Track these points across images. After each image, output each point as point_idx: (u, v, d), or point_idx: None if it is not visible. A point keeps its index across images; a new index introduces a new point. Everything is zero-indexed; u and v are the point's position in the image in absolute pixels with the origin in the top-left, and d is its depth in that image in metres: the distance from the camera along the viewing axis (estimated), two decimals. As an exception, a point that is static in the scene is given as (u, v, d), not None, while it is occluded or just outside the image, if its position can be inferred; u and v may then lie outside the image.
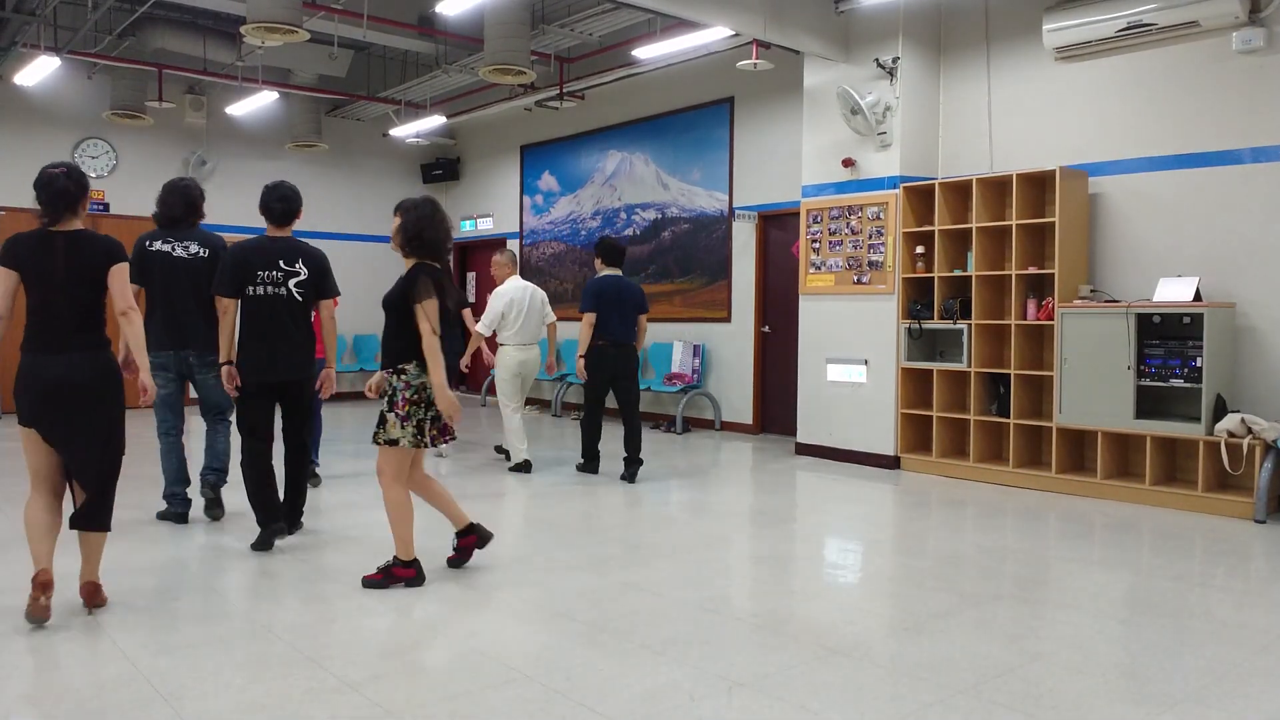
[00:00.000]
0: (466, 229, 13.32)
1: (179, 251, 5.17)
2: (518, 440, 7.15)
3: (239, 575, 4.23)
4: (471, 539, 4.35)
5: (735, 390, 9.48)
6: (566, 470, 7.33)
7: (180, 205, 5.28)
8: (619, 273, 6.96)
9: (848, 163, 7.55)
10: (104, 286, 3.62)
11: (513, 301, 7.05)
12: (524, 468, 7.12)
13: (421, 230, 4.06)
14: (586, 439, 7.10)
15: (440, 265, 4.12)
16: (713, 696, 2.91)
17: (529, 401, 11.84)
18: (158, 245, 5.18)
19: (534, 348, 7.22)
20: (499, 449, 7.64)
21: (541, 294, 7.25)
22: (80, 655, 3.20)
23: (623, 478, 6.79)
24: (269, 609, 3.76)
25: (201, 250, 5.19)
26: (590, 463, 7.10)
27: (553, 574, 4.31)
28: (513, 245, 12.43)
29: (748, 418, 9.38)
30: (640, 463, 6.88)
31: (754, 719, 2.76)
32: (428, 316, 3.92)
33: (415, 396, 4.01)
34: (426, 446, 4.09)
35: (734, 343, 9.50)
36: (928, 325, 7.14)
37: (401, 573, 4.04)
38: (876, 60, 7.26)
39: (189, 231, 5.28)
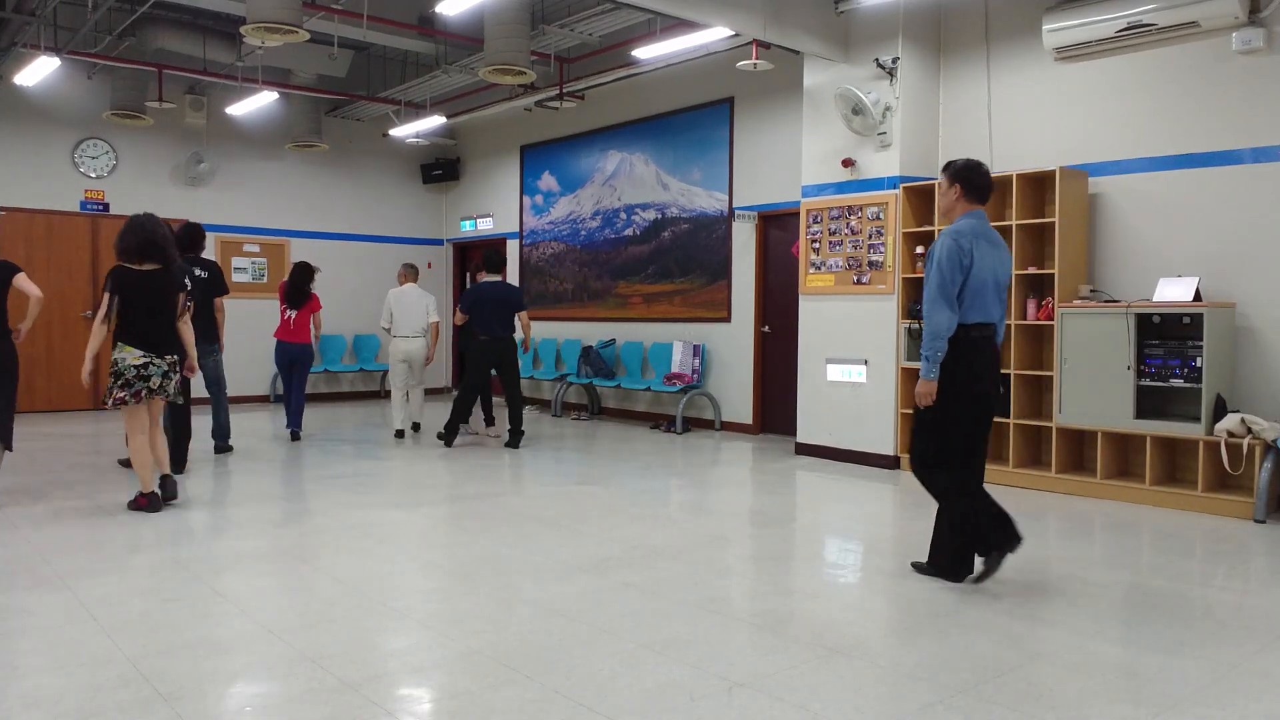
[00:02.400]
0: (466, 229, 13.32)
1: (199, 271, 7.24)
2: (396, 412, 8.87)
3: (239, 575, 4.23)
4: (145, 500, 5.44)
5: (735, 390, 9.48)
6: (566, 470, 7.34)
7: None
8: (499, 278, 8.27)
9: (848, 163, 7.55)
10: None
11: (394, 302, 8.75)
12: (399, 435, 8.81)
13: (119, 238, 5.54)
14: (455, 414, 8.17)
15: (143, 267, 5.50)
16: (713, 696, 2.91)
17: (527, 401, 11.85)
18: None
19: (416, 339, 8.74)
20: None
21: (430, 299, 8.90)
22: (80, 655, 3.20)
23: (507, 445, 8.14)
24: (269, 609, 3.76)
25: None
26: (450, 435, 8.15)
27: (553, 574, 4.31)
28: (512, 245, 12.45)
29: (748, 418, 9.37)
30: (522, 433, 8.21)
31: (754, 719, 2.76)
32: (103, 305, 5.42)
33: (114, 369, 5.40)
34: (130, 406, 5.42)
35: (734, 343, 9.50)
36: (928, 325, 7.13)
37: (141, 501, 5.45)
38: (876, 60, 7.26)
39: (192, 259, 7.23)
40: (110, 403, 5.42)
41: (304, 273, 8.55)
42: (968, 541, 4.12)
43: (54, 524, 5.18)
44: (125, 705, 2.80)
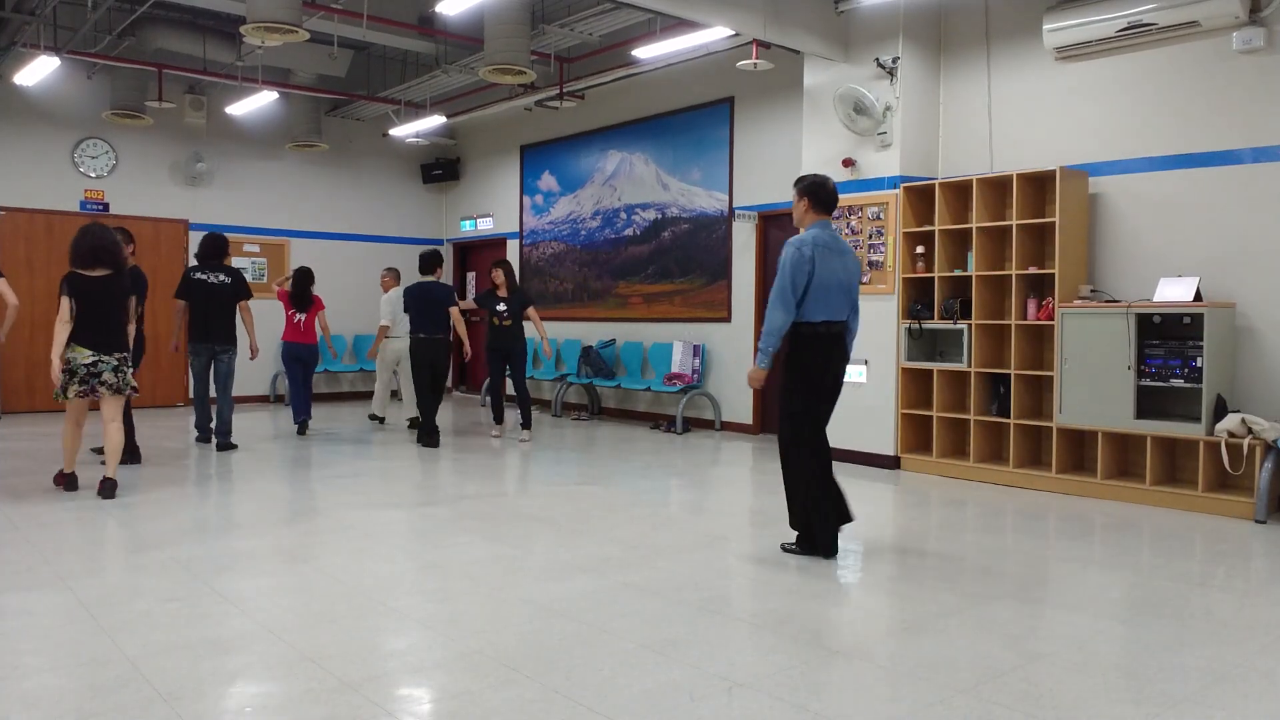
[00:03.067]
0: (466, 229, 13.33)
1: (212, 279, 8.03)
2: (378, 401, 9.90)
3: (239, 575, 4.23)
4: (64, 479, 6.01)
5: (735, 390, 9.48)
6: (566, 470, 7.34)
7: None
8: (433, 279, 8.57)
9: (848, 163, 7.55)
10: None
11: (394, 305, 9.22)
12: (375, 418, 9.88)
13: (72, 245, 5.86)
14: (424, 416, 8.52)
15: (94, 272, 5.79)
16: (713, 696, 2.91)
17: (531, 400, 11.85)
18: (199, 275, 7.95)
19: (404, 339, 9.02)
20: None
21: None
22: (80, 655, 3.20)
23: (418, 442, 8.41)
24: (269, 609, 3.76)
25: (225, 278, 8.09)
26: (429, 437, 8.46)
27: (553, 574, 4.31)
28: (512, 245, 12.45)
29: (748, 418, 9.38)
30: (435, 432, 8.43)
31: (754, 719, 2.76)
32: (62, 308, 5.70)
33: (67, 367, 5.71)
34: (69, 399, 5.78)
35: (734, 343, 9.50)
36: (928, 325, 7.14)
37: (59, 479, 6.04)
38: (876, 60, 7.26)
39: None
40: (64, 398, 5.76)
41: (306, 277, 9.09)
42: (822, 508, 4.63)
43: (54, 524, 5.18)
44: (125, 705, 2.80)
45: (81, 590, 3.93)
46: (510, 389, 8.99)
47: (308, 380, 9.22)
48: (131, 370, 6.00)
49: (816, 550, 4.61)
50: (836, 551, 4.61)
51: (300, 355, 9.02)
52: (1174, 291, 5.95)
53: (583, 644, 3.37)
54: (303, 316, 8.97)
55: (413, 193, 13.43)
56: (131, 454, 7.02)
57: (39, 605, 3.74)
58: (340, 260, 12.50)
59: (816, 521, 4.60)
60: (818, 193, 4.66)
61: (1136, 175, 6.46)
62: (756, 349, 4.62)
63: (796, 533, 4.71)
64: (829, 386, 4.65)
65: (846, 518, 4.69)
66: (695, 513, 5.96)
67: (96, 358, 5.75)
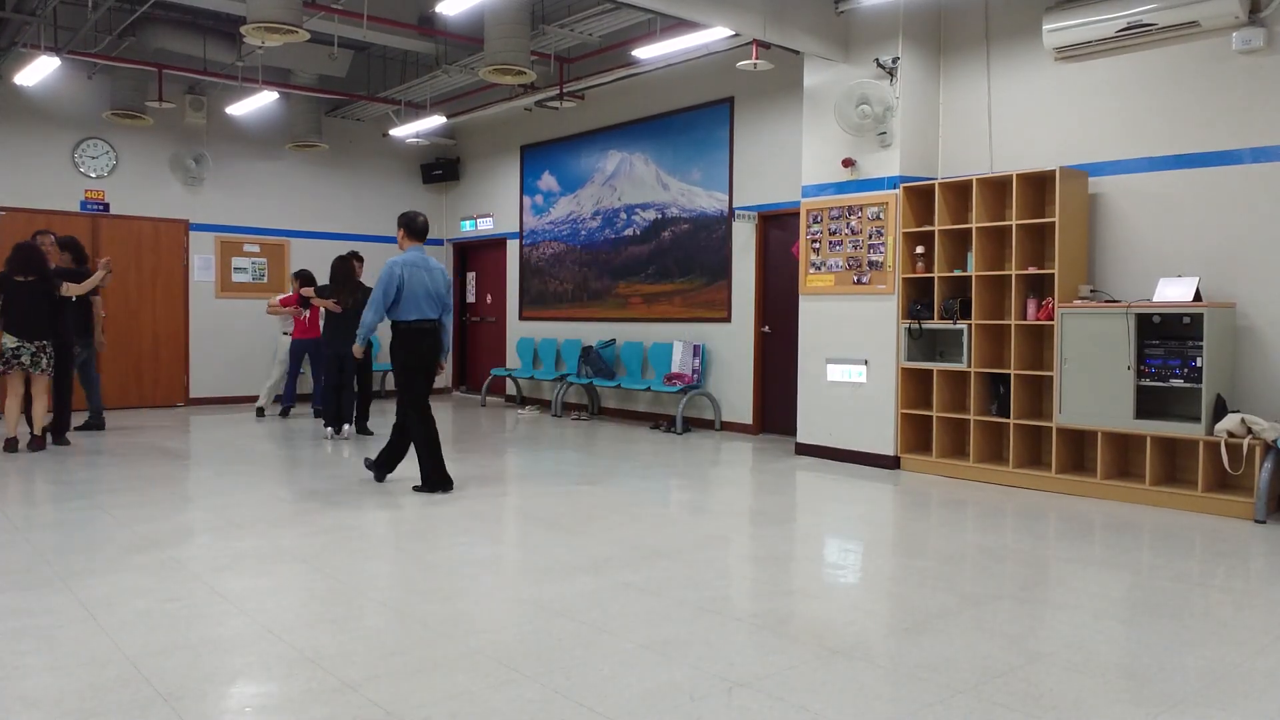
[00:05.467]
0: (467, 229, 13.33)
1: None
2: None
3: (239, 575, 4.23)
4: (5, 442, 7.49)
5: (735, 390, 9.48)
6: (566, 470, 7.34)
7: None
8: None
9: (848, 163, 7.55)
10: None
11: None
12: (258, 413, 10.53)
13: (8, 259, 7.56)
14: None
15: (23, 278, 7.48)
16: (713, 696, 2.91)
17: (527, 401, 11.86)
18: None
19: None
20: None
21: None
22: (80, 655, 3.20)
23: (349, 423, 8.93)
24: (268, 609, 3.76)
25: None
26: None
27: (553, 574, 4.31)
28: (512, 245, 12.45)
29: (748, 418, 9.38)
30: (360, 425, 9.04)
31: (754, 719, 2.76)
32: None
33: None
34: (6, 374, 7.54)
35: (734, 343, 9.50)
36: (928, 325, 7.14)
37: (4, 444, 7.50)
38: (876, 60, 7.26)
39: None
40: None
41: (310, 279, 9.96)
42: (431, 467, 6.15)
43: (54, 524, 5.18)
44: (125, 705, 2.80)
45: (81, 590, 3.93)
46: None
47: (316, 371, 10.24)
48: (48, 358, 7.54)
49: (437, 489, 6.13)
50: (452, 485, 6.20)
51: (307, 348, 10.21)
52: (1174, 291, 5.95)
53: (583, 644, 3.37)
54: (307, 313, 10.04)
55: (413, 193, 13.43)
56: (89, 424, 8.82)
57: (39, 605, 3.74)
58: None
59: (433, 468, 6.13)
60: (411, 225, 6.24)
61: (1136, 175, 6.47)
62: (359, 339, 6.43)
63: (424, 479, 6.16)
64: (423, 367, 6.16)
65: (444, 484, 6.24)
66: (695, 513, 5.96)
67: (20, 344, 7.44)
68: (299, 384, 10.81)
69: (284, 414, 10.40)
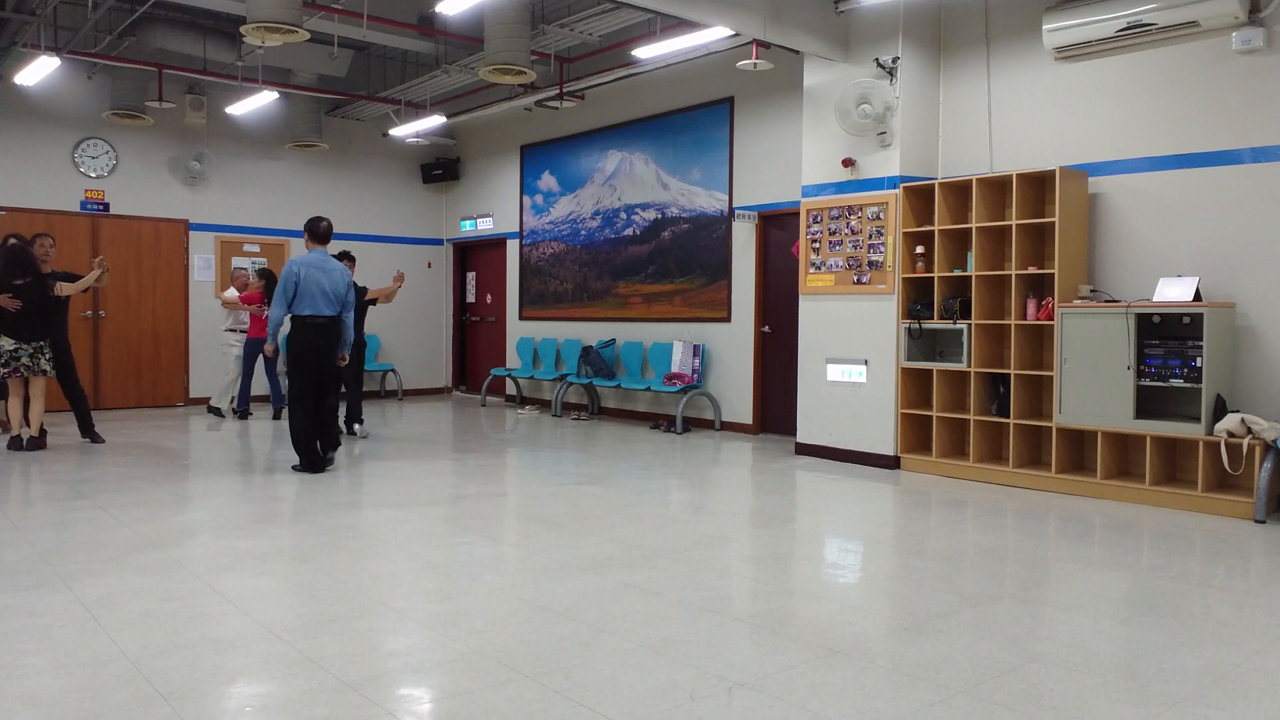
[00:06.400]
0: (466, 229, 13.33)
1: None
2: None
3: (239, 575, 4.23)
4: (13, 441, 7.65)
5: (735, 390, 9.48)
6: (566, 470, 7.34)
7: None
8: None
9: (848, 163, 7.55)
10: None
11: None
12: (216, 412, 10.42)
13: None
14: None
15: (17, 281, 7.48)
16: (713, 696, 2.91)
17: (527, 401, 11.86)
18: None
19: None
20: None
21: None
22: (80, 655, 3.20)
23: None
24: (269, 609, 3.76)
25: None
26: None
27: (553, 574, 4.31)
28: (512, 245, 12.45)
29: (748, 418, 9.38)
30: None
31: (754, 719, 2.76)
32: None
33: None
34: (9, 377, 7.58)
35: (734, 343, 9.50)
36: (928, 325, 7.14)
37: (10, 442, 7.65)
38: (876, 60, 7.26)
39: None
40: None
41: (274, 277, 9.67)
42: (303, 449, 6.84)
43: (54, 524, 5.18)
44: (125, 705, 2.80)
45: (81, 590, 3.93)
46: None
47: (272, 372, 10.24)
48: (46, 359, 7.58)
49: (311, 470, 6.81)
50: (324, 468, 6.90)
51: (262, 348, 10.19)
52: (1173, 291, 5.95)
53: (583, 644, 3.37)
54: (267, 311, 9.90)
55: (413, 193, 13.43)
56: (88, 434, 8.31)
57: (39, 605, 3.74)
58: (340, 260, 12.48)
59: (309, 451, 6.81)
60: (313, 230, 6.94)
61: (1136, 175, 6.47)
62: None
63: (300, 460, 6.86)
64: (311, 359, 6.77)
65: (332, 446, 7.03)
66: (695, 513, 5.96)
67: (18, 345, 7.45)
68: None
69: (242, 416, 10.17)
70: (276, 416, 10.08)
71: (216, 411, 10.31)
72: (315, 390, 6.83)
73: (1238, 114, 6.00)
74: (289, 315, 6.77)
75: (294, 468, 6.91)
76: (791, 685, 3.01)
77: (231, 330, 10.24)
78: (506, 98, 10.90)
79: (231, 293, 10.20)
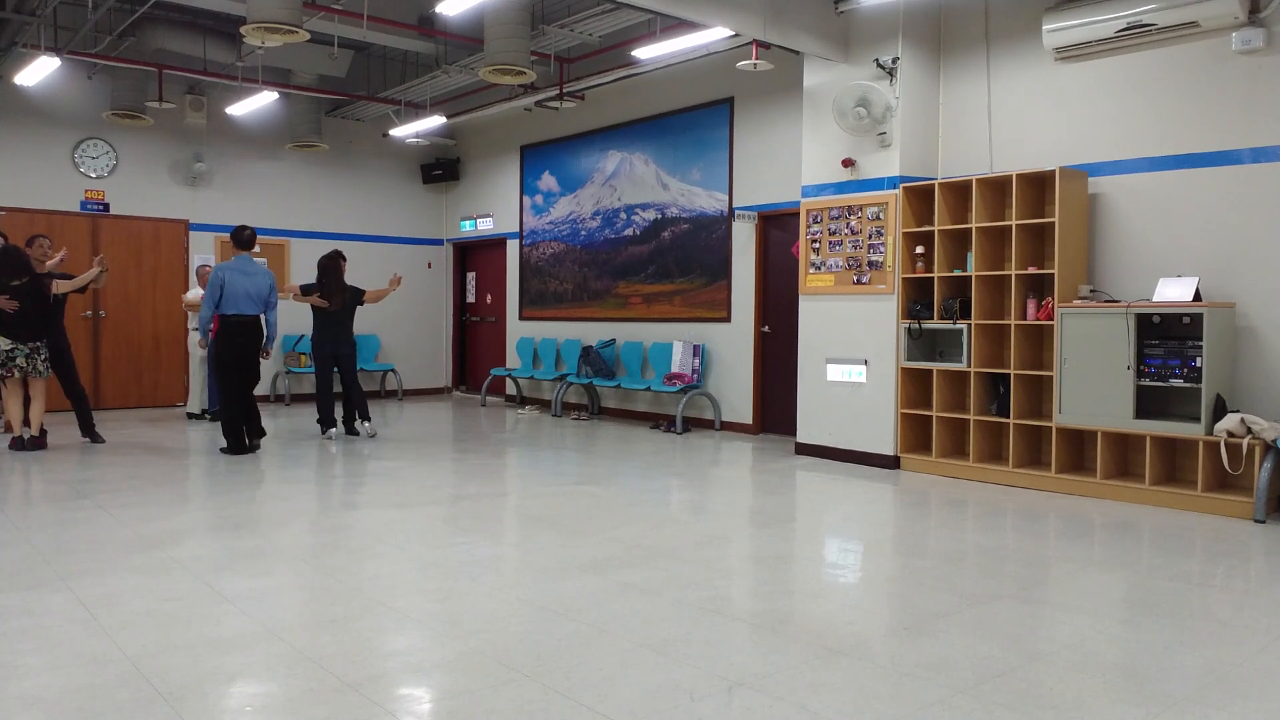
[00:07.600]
0: (466, 229, 13.33)
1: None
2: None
3: (239, 575, 4.23)
4: (14, 441, 7.69)
5: (735, 390, 9.48)
6: (566, 470, 7.34)
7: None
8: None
9: (847, 163, 7.55)
10: None
11: None
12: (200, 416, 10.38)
13: None
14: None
15: (14, 282, 7.48)
16: (713, 696, 2.91)
17: (527, 401, 11.86)
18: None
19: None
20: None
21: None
22: (80, 655, 3.20)
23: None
24: (269, 609, 3.76)
25: None
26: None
27: (553, 574, 4.31)
28: (512, 245, 12.45)
29: (748, 418, 9.38)
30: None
31: (754, 719, 2.76)
32: None
33: None
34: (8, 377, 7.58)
35: (734, 343, 9.50)
36: (928, 325, 7.14)
37: (12, 442, 7.72)
38: (876, 60, 7.26)
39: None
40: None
41: None
42: (229, 433, 7.64)
43: (54, 524, 5.18)
44: (125, 705, 2.80)
45: (81, 590, 3.93)
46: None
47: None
48: (43, 359, 7.64)
49: (236, 452, 7.58)
50: (251, 451, 7.67)
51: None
52: (1173, 291, 5.95)
53: (583, 644, 3.37)
54: None
55: (413, 193, 13.43)
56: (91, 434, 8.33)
57: (39, 605, 3.74)
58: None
59: (235, 433, 7.59)
60: (237, 237, 7.73)
61: (1136, 175, 6.47)
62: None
63: (228, 442, 7.64)
64: (237, 353, 7.59)
65: (257, 434, 7.83)
66: (695, 512, 5.96)
67: (14, 345, 7.49)
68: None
69: (214, 418, 9.71)
70: (214, 419, 9.63)
71: (196, 418, 10.19)
72: (240, 381, 7.63)
73: (1237, 114, 6.00)
74: (217, 314, 7.57)
75: (221, 450, 7.65)
76: (791, 685, 3.01)
77: (197, 330, 9.91)
78: (506, 98, 10.90)
79: (196, 293, 9.92)
